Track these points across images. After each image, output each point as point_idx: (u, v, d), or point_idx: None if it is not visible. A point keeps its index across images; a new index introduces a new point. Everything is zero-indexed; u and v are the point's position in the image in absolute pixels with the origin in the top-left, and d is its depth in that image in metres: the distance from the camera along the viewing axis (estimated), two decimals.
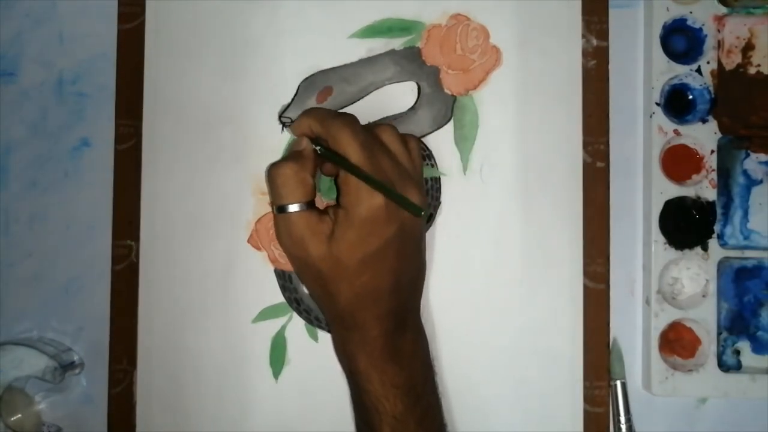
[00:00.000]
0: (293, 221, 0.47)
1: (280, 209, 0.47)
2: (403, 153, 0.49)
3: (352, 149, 0.46)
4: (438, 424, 0.49)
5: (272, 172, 0.48)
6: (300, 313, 0.53)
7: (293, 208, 0.47)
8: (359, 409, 0.48)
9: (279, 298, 0.53)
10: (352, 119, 0.48)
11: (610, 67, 0.54)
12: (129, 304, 0.52)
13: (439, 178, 0.53)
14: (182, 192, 0.53)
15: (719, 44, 0.54)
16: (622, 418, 0.53)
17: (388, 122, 0.52)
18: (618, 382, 0.53)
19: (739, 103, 0.54)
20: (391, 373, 0.47)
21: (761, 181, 0.55)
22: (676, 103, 0.55)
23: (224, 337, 0.53)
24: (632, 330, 0.55)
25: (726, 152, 0.55)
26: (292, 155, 0.48)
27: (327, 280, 0.47)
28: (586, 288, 0.53)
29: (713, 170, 0.54)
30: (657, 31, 0.54)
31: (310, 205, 0.47)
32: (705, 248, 0.54)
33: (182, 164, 0.53)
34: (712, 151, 0.54)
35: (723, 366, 0.54)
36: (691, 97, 0.55)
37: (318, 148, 0.48)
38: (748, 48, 0.54)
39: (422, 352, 0.50)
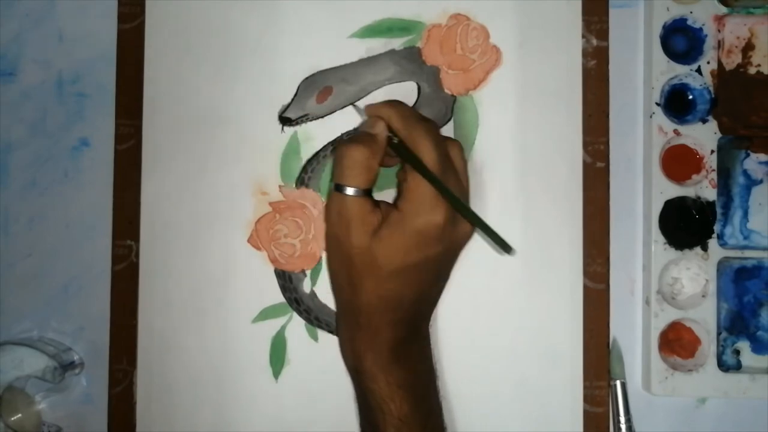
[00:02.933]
0: (347, 204, 0.46)
1: (338, 188, 0.47)
2: (464, 172, 0.48)
3: (430, 158, 0.45)
4: (441, 426, 0.49)
5: (343, 151, 0.47)
6: (300, 313, 0.53)
7: (351, 191, 0.46)
8: (364, 409, 0.48)
9: (279, 298, 0.53)
10: (435, 127, 0.48)
11: (610, 67, 0.54)
12: (129, 304, 0.52)
13: None
14: (182, 192, 0.53)
15: (719, 44, 0.54)
16: (622, 418, 0.53)
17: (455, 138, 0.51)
18: (618, 382, 0.53)
19: (739, 103, 0.54)
20: (397, 375, 0.46)
21: (761, 181, 0.55)
22: (676, 103, 0.55)
23: (224, 337, 0.53)
24: (632, 330, 0.55)
25: (726, 152, 0.55)
26: (364, 138, 0.47)
27: (356, 271, 0.46)
28: (586, 288, 0.53)
29: (713, 170, 0.54)
30: (657, 31, 0.54)
31: (367, 192, 0.47)
32: (705, 248, 0.54)
33: (182, 164, 0.53)
34: (712, 151, 0.54)
35: (723, 366, 0.54)
36: (691, 97, 0.55)
37: (395, 138, 0.47)
38: (748, 48, 0.54)
39: (428, 355, 0.50)
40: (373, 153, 0.46)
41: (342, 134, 0.53)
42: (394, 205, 0.47)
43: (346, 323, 0.49)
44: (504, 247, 0.47)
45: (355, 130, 0.52)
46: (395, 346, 0.47)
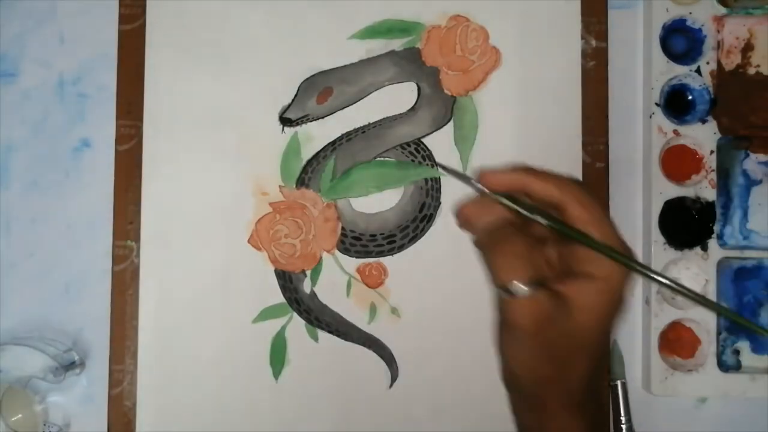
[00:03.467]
0: (531, 303, 0.39)
1: (508, 292, 0.40)
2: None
3: (598, 231, 0.39)
4: None
5: (493, 249, 0.40)
6: (300, 314, 0.53)
7: (522, 290, 0.39)
8: None
9: (279, 298, 0.53)
10: (579, 183, 0.42)
11: (610, 67, 0.54)
12: (129, 304, 0.52)
13: (439, 179, 0.53)
14: (182, 192, 0.53)
15: (719, 45, 0.54)
16: (623, 418, 0.53)
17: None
18: (618, 382, 0.53)
19: (738, 104, 0.54)
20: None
21: (761, 182, 0.55)
22: (676, 103, 0.55)
23: (224, 337, 0.53)
24: (632, 330, 0.55)
25: (725, 152, 0.55)
26: (503, 231, 0.41)
27: (565, 353, 0.40)
28: None
29: (713, 170, 0.54)
30: (656, 31, 0.54)
31: (539, 281, 0.39)
32: (704, 248, 0.54)
33: (182, 164, 0.53)
34: (712, 152, 0.54)
35: (722, 366, 0.54)
36: (690, 97, 0.55)
37: (547, 223, 0.39)
38: (747, 48, 0.54)
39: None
40: (525, 240, 0.40)
41: (342, 135, 0.53)
42: (578, 276, 0.40)
43: (521, 399, 0.42)
44: (763, 331, 0.40)
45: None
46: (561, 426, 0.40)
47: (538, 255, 0.41)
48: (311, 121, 0.53)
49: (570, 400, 0.41)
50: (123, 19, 0.54)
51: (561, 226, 0.40)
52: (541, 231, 0.41)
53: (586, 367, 0.40)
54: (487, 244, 0.41)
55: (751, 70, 0.54)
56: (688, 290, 0.39)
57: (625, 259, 0.39)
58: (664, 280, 0.39)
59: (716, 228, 0.54)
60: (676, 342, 0.54)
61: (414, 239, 0.53)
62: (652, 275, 0.39)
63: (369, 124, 0.53)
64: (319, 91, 0.53)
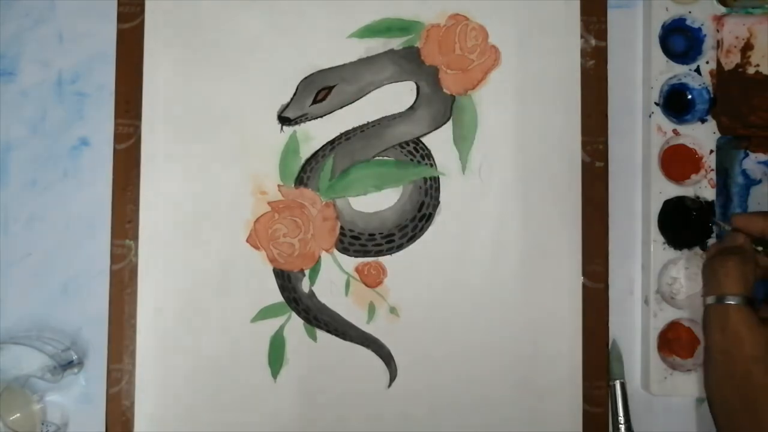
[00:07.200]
0: (731, 314, 0.45)
1: (718, 299, 0.46)
2: None
3: None
4: None
5: (716, 262, 0.46)
6: (299, 313, 0.53)
7: (733, 300, 0.45)
8: None
9: (278, 297, 0.53)
10: None
11: (609, 66, 0.54)
12: (128, 303, 0.52)
13: (438, 178, 0.53)
14: (181, 191, 0.53)
15: (718, 44, 0.54)
16: (621, 418, 0.53)
17: None
18: (617, 382, 0.53)
19: (737, 103, 0.54)
20: None
21: (760, 181, 0.55)
22: (675, 102, 0.55)
23: (223, 337, 0.52)
24: (631, 330, 0.55)
25: (725, 152, 0.55)
26: (733, 249, 0.47)
27: (756, 387, 0.42)
28: (585, 287, 0.53)
29: (712, 170, 0.54)
30: (656, 30, 0.54)
31: (748, 301, 0.45)
32: (704, 248, 0.54)
33: (181, 164, 0.53)
34: (711, 151, 0.54)
35: None
36: (690, 96, 0.55)
37: (760, 248, 0.47)
38: (747, 48, 0.54)
39: None
40: (745, 261, 0.46)
41: (341, 134, 0.53)
42: None
43: None
44: None
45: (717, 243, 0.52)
46: None
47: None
48: (310, 120, 0.53)
49: None
50: (122, 17, 0.54)
51: None
52: None
53: None
54: (713, 257, 0.47)
55: (751, 70, 0.54)
56: None
57: None
58: None
59: (715, 227, 0.54)
60: (675, 342, 0.54)
61: (413, 239, 0.53)
62: None
63: (368, 123, 0.53)
64: (318, 90, 0.53)
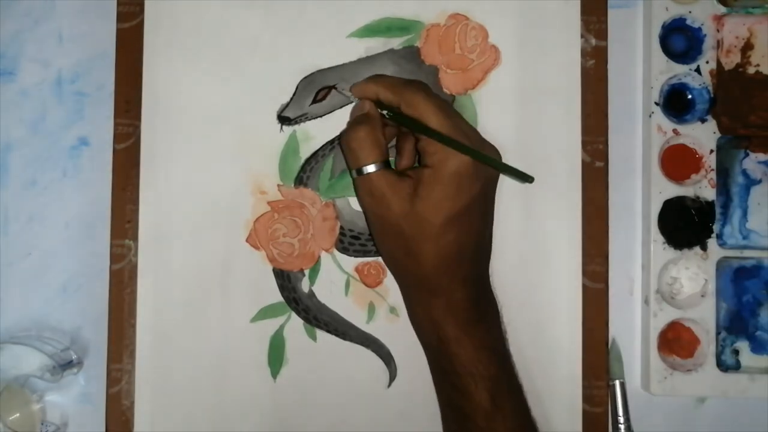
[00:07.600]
0: (373, 180, 0.47)
1: (358, 171, 0.48)
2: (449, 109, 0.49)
3: (431, 113, 0.46)
4: (520, 386, 0.49)
5: (346, 136, 0.48)
6: (299, 313, 0.53)
7: (371, 168, 0.47)
8: (449, 377, 0.47)
9: (278, 297, 0.53)
10: (424, 85, 0.49)
11: (609, 66, 0.54)
12: (127, 303, 0.52)
13: None
14: (181, 191, 0.53)
15: (718, 44, 0.54)
16: (621, 418, 0.53)
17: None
18: (617, 382, 0.53)
19: (738, 103, 0.54)
20: (481, 335, 0.47)
21: (760, 181, 0.55)
22: (676, 102, 0.55)
23: (223, 337, 0.52)
24: (631, 330, 0.55)
25: (725, 152, 0.55)
26: (360, 119, 0.49)
27: (410, 239, 0.46)
28: (584, 287, 0.53)
29: (712, 170, 0.54)
30: (656, 30, 0.54)
31: (386, 164, 0.48)
32: (704, 248, 0.54)
33: (181, 163, 0.53)
34: (711, 151, 0.54)
35: (722, 366, 0.54)
36: (690, 96, 0.55)
37: (386, 112, 0.48)
38: (747, 48, 0.54)
39: (499, 315, 0.50)
40: (373, 127, 0.48)
41: (341, 133, 0.53)
42: (421, 167, 0.47)
43: (417, 294, 0.49)
44: (524, 178, 0.47)
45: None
46: (472, 305, 0.47)
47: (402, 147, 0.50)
48: (310, 120, 0.53)
49: (426, 288, 0.47)
50: (121, 17, 0.54)
51: (398, 116, 0.48)
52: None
53: (435, 261, 0.46)
54: (345, 131, 0.49)
55: (751, 70, 0.54)
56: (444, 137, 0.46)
57: (448, 139, 0.45)
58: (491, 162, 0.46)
59: (716, 228, 0.54)
60: (675, 342, 0.54)
61: None
62: (480, 157, 0.46)
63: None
64: (318, 89, 0.53)
